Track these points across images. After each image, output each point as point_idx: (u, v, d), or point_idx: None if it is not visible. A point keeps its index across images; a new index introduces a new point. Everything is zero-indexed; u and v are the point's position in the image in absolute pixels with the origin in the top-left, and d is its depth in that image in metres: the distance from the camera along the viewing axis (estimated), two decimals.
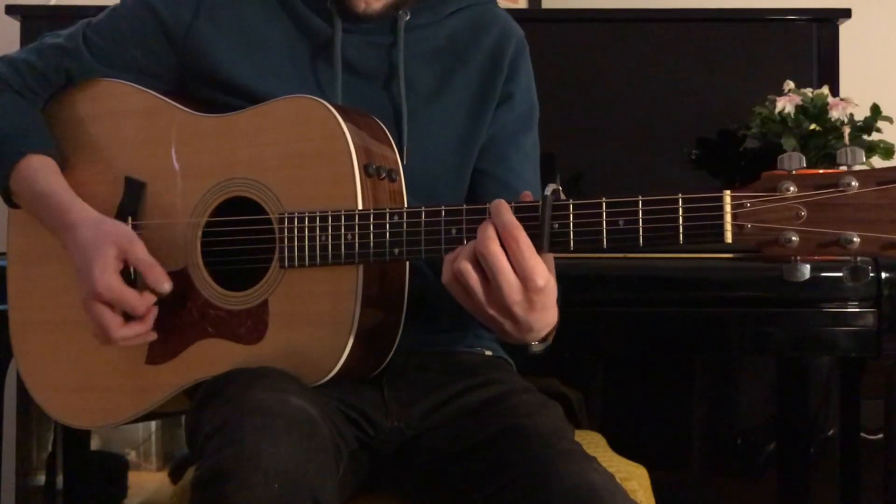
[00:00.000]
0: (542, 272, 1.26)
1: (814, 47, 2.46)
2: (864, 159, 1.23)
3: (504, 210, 1.27)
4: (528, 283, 1.26)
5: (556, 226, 1.31)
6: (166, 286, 1.49)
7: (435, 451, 1.49)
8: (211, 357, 1.49)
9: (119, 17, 1.65)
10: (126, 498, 2.76)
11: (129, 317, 1.49)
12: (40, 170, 1.58)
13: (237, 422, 1.25)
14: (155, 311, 1.51)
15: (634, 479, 1.65)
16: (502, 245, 1.26)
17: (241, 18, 1.62)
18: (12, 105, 1.63)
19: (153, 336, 1.52)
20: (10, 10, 2.46)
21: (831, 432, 2.49)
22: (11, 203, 1.63)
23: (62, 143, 1.63)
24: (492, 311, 1.29)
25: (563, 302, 1.99)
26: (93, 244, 1.49)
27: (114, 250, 1.48)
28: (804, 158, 1.23)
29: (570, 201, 1.31)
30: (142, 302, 1.48)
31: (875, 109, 2.30)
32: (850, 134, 2.24)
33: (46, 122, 1.65)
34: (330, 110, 1.45)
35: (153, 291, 1.49)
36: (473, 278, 1.27)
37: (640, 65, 2.47)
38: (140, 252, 1.49)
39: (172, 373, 1.53)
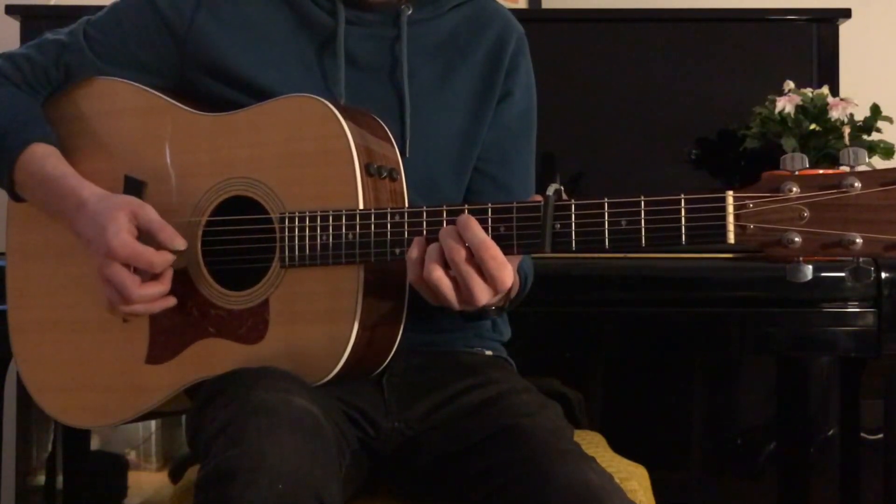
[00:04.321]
0: (510, 276, 1.33)
1: (814, 47, 2.46)
2: (867, 160, 1.23)
3: (474, 227, 1.31)
4: (497, 288, 1.33)
5: (558, 226, 1.31)
6: (180, 244, 1.48)
7: (435, 451, 1.49)
8: (211, 356, 1.49)
9: (120, 13, 1.65)
10: (126, 498, 2.76)
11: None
12: (47, 156, 1.57)
13: (241, 422, 1.25)
14: (171, 274, 1.50)
15: (634, 479, 1.65)
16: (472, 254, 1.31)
17: (243, 12, 1.62)
18: (13, 98, 1.62)
19: (172, 301, 1.50)
20: (10, 10, 2.45)
21: (831, 432, 2.49)
22: (15, 195, 1.62)
23: (62, 141, 1.62)
24: (460, 308, 1.35)
25: (564, 302, 2.01)
26: (104, 212, 1.48)
27: (126, 214, 1.48)
28: (807, 159, 1.24)
29: (573, 202, 1.31)
30: (159, 257, 1.47)
31: (875, 109, 2.30)
32: (850, 134, 2.24)
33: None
34: (331, 109, 1.45)
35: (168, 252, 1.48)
36: (447, 285, 1.33)
37: (640, 65, 2.47)
38: (151, 213, 1.49)
39: (173, 372, 1.52)
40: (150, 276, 1.48)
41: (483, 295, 1.32)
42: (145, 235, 1.48)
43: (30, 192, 1.60)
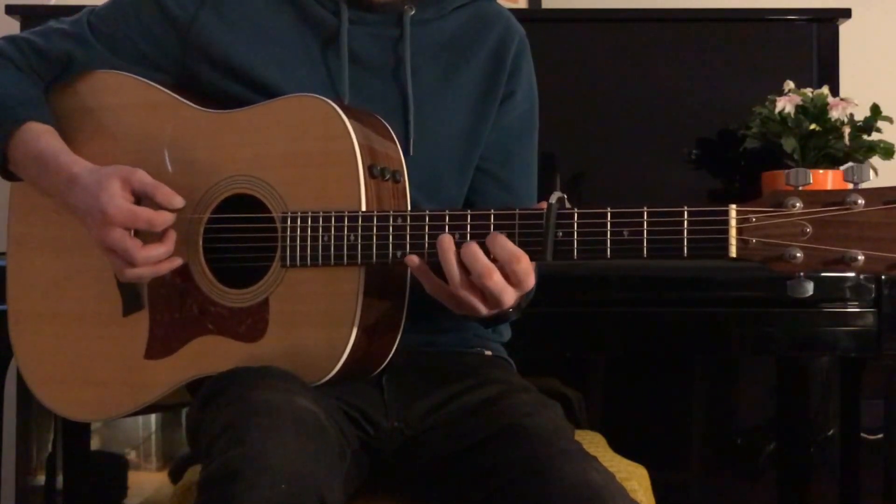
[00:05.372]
0: (533, 276, 1.35)
1: (814, 47, 2.45)
2: (871, 178, 1.23)
3: (502, 241, 1.33)
4: (522, 289, 1.36)
5: (560, 234, 1.32)
6: (177, 202, 1.48)
7: (435, 451, 1.49)
8: (210, 354, 1.49)
9: (124, 5, 1.64)
10: (126, 498, 2.76)
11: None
12: (42, 133, 1.56)
13: (244, 422, 1.25)
14: (174, 235, 1.49)
15: (634, 479, 1.65)
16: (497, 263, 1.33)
17: (247, 10, 1.62)
18: (13, 78, 1.61)
19: (178, 261, 1.50)
20: (10, 10, 2.45)
21: (831, 432, 2.49)
22: (7, 173, 1.61)
23: (63, 134, 1.61)
24: (487, 313, 1.38)
25: (564, 302, 2.01)
26: (96, 182, 1.48)
27: (118, 181, 1.47)
28: (810, 174, 1.24)
29: (575, 210, 1.31)
30: (158, 215, 1.47)
31: (875, 109, 2.29)
32: (850, 134, 2.24)
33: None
34: (335, 110, 1.45)
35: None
36: (478, 300, 1.35)
37: (640, 65, 2.47)
38: (144, 176, 1.48)
39: (171, 369, 1.53)
40: (153, 239, 1.48)
41: (511, 299, 1.35)
42: (141, 198, 1.48)
43: (23, 170, 1.59)
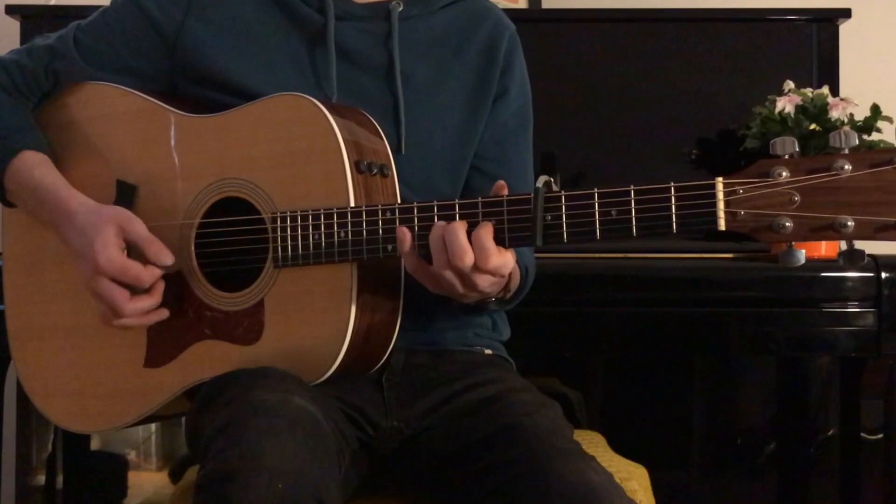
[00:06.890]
0: (510, 264, 1.36)
1: (814, 47, 2.45)
2: (857, 142, 1.23)
3: (484, 236, 1.33)
4: (498, 277, 1.37)
5: (549, 218, 1.31)
6: (167, 259, 1.49)
7: (434, 450, 1.49)
8: (209, 358, 1.49)
9: (109, 18, 1.65)
10: (126, 498, 2.76)
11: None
12: (37, 165, 1.58)
13: (240, 422, 1.25)
14: (162, 286, 1.50)
15: (634, 478, 1.65)
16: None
17: (233, 15, 1.61)
18: (3, 103, 1.62)
19: (165, 313, 1.51)
20: (10, 10, 2.46)
21: (831, 432, 2.49)
22: (6, 201, 1.63)
23: (53, 148, 1.62)
24: (463, 292, 1.38)
25: (564, 302, 2.01)
26: (92, 225, 1.49)
27: (113, 228, 1.48)
28: (797, 143, 1.23)
29: (563, 192, 1.31)
30: (147, 272, 1.47)
31: (875, 109, 2.29)
32: None
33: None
34: (319, 108, 1.45)
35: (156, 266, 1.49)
36: (457, 279, 1.35)
37: (640, 65, 2.46)
38: (139, 228, 1.49)
39: (171, 375, 1.53)
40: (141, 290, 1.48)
41: (486, 284, 1.36)
42: (133, 250, 1.49)
43: (21, 201, 1.61)
